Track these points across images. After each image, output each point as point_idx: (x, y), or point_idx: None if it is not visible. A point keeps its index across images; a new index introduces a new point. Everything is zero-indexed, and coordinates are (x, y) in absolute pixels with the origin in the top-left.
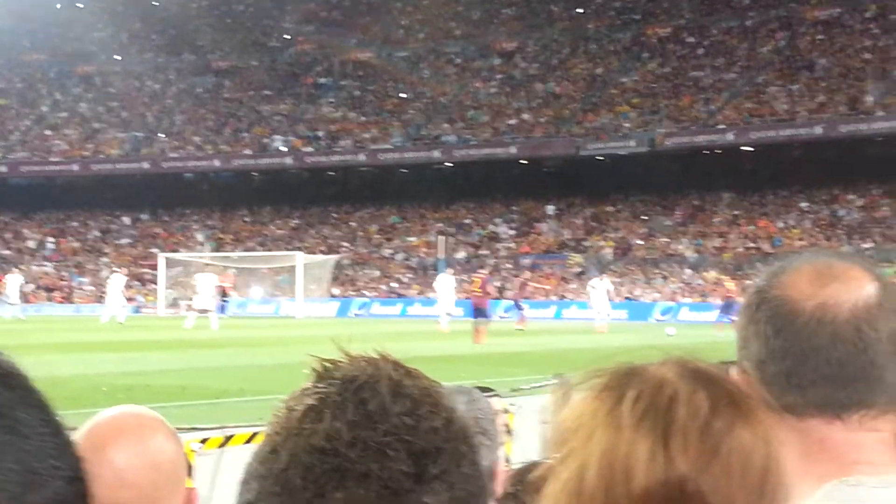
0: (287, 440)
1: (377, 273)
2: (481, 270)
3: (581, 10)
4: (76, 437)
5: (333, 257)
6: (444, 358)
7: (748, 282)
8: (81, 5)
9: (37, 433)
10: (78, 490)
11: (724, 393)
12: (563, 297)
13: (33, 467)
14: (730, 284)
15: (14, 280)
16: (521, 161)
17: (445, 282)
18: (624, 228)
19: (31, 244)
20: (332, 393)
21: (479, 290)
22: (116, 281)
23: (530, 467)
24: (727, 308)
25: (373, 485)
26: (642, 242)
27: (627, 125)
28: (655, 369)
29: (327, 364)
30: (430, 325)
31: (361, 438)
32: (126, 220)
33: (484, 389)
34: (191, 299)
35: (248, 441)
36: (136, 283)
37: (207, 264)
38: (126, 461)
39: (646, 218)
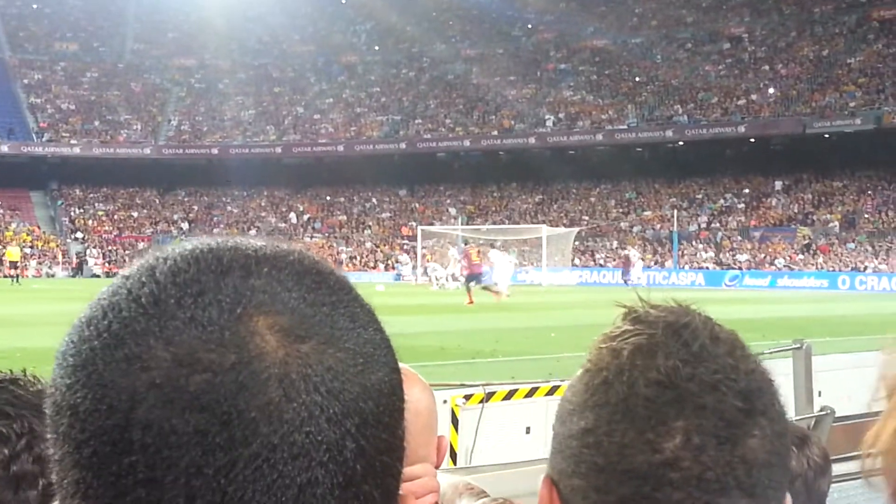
0: (620, 374)
1: (615, 244)
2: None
3: None
4: None
5: (574, 230)
6: None
7: None
8: (345, 1)
9: (370, 327)
10: (398, 380)
11: None
12: (781, 267)
13: (368, 352)
14: None
15: None
16: (750, 139)
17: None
18: (851, 203)
19: (306, 217)
20: (657, 334)
21: (478, 260)
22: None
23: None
24: None
25: (709, 416)
26: (869, 216)
27: (853, 104)
28: None
29: (641, 310)
30: (663, 292)
31: (698, 374)
32: (386, 195)
33: None
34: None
35: (507, 398)
36: (395, 252)
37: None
38: None
39: (872, 193)
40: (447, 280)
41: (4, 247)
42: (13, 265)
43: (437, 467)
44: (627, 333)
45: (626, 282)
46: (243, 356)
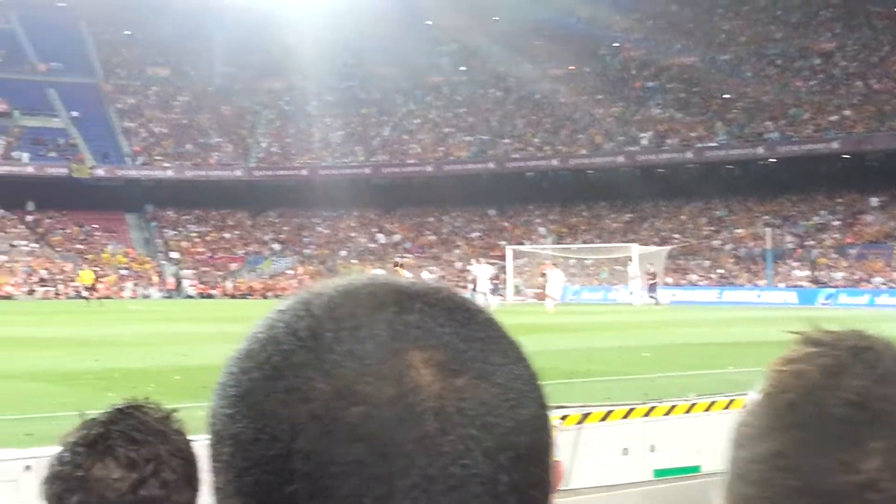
0: (807, 396)
1: (707, 263)
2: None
3: None
4: None
5: (666, 248)
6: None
7: None
8: (430, 22)
9: (520, 363)
10: (547, 416)
11: None
12: (879, 285)
13: (519, 388)
14: None
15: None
16: (844, 155)
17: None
18: None
19: (395, 237)
20: (841, 356)
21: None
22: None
23: None
24: None
25: None
26: None
27: None
28: None
29: (817, 334)
30: (755, 311)
31: (890, 395)
32: (476, 215)
33: None
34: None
35: (604, 419)
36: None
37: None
38: None
39: None
40: (486, 295)
41: (94, 268)
42: (86, 288)
43: (552, 492)
44: (810, 355)
45: (652, 297)
46: (400, 389)
